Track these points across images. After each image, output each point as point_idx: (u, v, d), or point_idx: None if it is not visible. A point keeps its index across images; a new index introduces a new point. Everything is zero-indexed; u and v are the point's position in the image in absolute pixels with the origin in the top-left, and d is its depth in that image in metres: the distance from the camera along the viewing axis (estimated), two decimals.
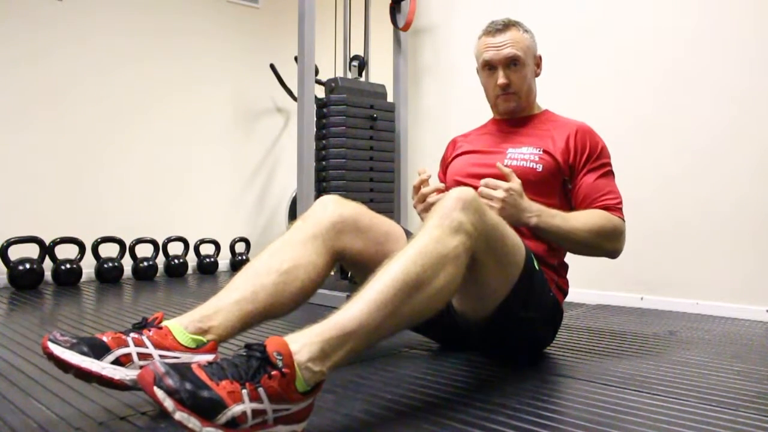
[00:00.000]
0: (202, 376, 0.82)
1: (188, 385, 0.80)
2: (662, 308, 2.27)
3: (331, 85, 2.73)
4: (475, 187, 1.39)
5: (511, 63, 1.55)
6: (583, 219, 1.42)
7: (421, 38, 3.18)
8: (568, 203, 1.52)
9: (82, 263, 2.77)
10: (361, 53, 2.93)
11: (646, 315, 2.14)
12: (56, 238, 2.72)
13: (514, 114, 1.62)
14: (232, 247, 3.37)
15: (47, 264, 2.69)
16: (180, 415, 0.79)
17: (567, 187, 1.53)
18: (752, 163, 2.11)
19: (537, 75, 1.64)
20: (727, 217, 2.16)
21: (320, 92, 2.72)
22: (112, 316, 1.97)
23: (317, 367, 0.89)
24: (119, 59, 3.03)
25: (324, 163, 2.65)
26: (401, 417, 1.01)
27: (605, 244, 1.43)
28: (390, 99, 2.92)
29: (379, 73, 3.02)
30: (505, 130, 1.63)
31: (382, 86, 2.88)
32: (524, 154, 1.52)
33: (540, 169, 1.48)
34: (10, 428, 0.96)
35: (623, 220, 1.47)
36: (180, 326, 1.07)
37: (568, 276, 1.55)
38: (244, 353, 0.87)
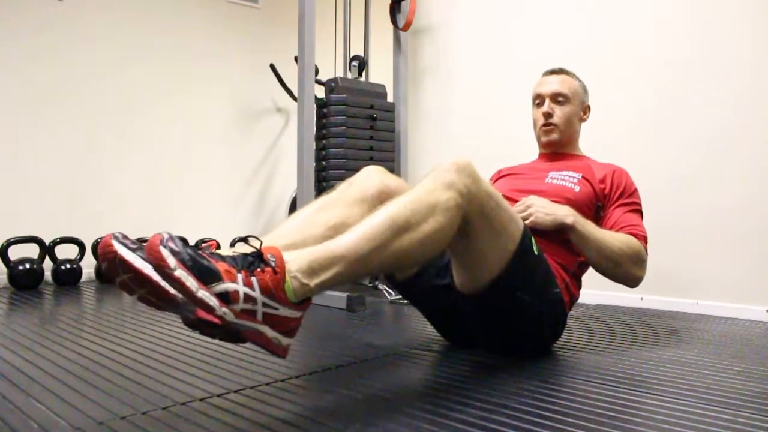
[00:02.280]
0: (203, 253, 0.89)
1: (190, 251, 0.87)
2: (662, 308, 2.27)
3: (331, 85, 2.73)
4: (515, 201, 1.54)
5: (558, 97, 1.73)
6: (614, 235, 1.54)
7: (421, 38, 3.18)
8: None
9: (82, 263, 2.77)
10: (361, 53, 2.93)
11: (646, 315, 2.14)
12: (56, 238, 2.71)
13: (555, 148, 1.77)
14: (232, 246, 3.37)
15: (47, 264, 2.68)
16: (180, 273, 0.84)
17: (599, 215, 1.64)
18: (753, 164, 2.11)
19: (582, 121, 1.81)
20: (728, 218, 2.16)
21: (320, 92, 2.72)
22: (112, 316, 1.97)
23: (305, 280, 0.94)
24: (119, 59, 3.03)
25: (324, 163, 2.65)
26: (401, 417, 1.01)
27: (629, 264, 1.52)
28: (390, 99, 2.92)
29: (379, 73, 3.02)
30: (549, 161, 1.78)
31: (382, 86, 2.88)
32: (564, 175, 1.66)
33: (577, 191, 1.61)
34: (10, 428, 0.96)
35: (646, 253, 1.56)
36: None
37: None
38: (239, 253, 0.93)
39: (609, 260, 1.50)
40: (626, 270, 1.53)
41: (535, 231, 1.46)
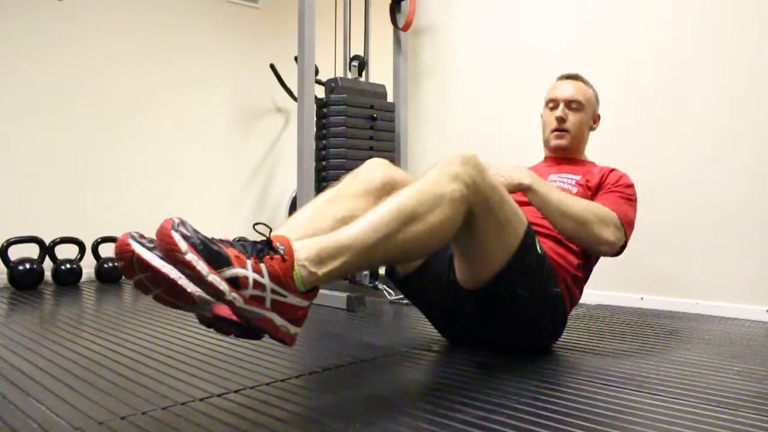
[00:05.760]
0: (213, 239, 0.91)
1: (201, 236, 0.88)
2: (662, 308, 2.27)
3: (331, 85, 2.73)
4: (520, 202, 1.50)
5: (572, 104, 1.73)
6: (580, 200, 1.51)
7: (421, 38, 3.18)
8: None
9: (82, 263, 2.77)
10: (361, 53, 2.93)
11: (646, 315, 2.14)
12: (56, 238, 2.71)
13: (563, 153, 1.77)
14: None
15: (47, 264, 2.68)
16: (191, 256, 0.85)
17: None
18: (753, 164, 2.11)
19: (592, 129, 1.82)
20: (728, 218, 2.15)
21: (320, 92, 2.72)
22: (112, 316, 1.97)
23: (312, 268, 0.96)
24: (119, 59, 3.03)
25: (324, 163, 2.65)
26: (401, 417, 1.01)
27: (598, 225, 1.45)
28: (390, 99, 2.92)
29: (379, 73, 3.02)
30: (552, 165, 1.78)
31: (382, 86, 2.88)
32: (563, 177, 1.67)
33: (575, 192, 1.62)
34: (10, 428, 0.96)
35: (622, 226, 1.50)
36: None
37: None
38: (250, 242, 0.95)
39: (573, 221, 1.44)
40: (595, 231, 1.45)
41: (536, 232, 1.46)
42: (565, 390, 1.19)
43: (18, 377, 1.24)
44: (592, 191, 1.64)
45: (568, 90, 1.74)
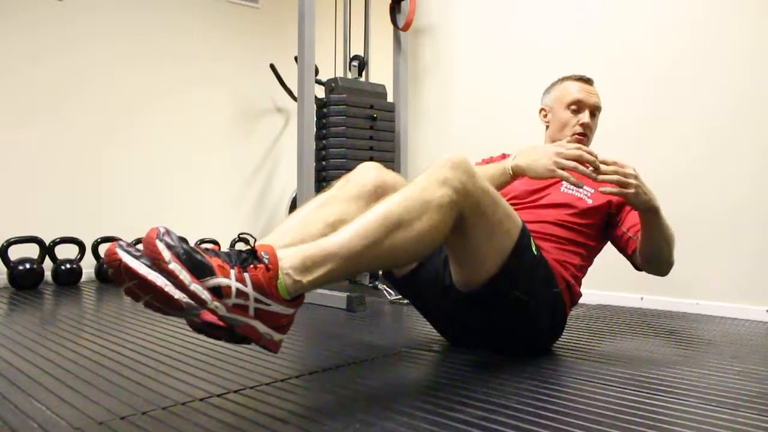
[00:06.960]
0: (198, 248, 0.92)
1: (185, 246, 0.89)
2: (662, 308, 2.27)
3: (331, 85, 2.73)
4: (528, 204, 1.55)
5: (595, 110, 1.71)
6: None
7: (421, 38, 3.18)
8: (602, 239, 1.63)
9: (82, 263, 2.77)
10: (361, 53, 2.94)
11: (646, 315, 2.14)
12: (56, 238, 2.71)
13: None
14: (232, 247, 3.37)
15: (47, 264, 2.68)
16: (174, 266, 0.86)
17: (611, 222, 1.62)
18: (752, 164, 2.11)
19: None
20: (728, 217, 2.16)
21: (320, 92, 2.72)
22: (112, 316, 1.97)
23: (297, 277, 0.96)
24: (119, 59, 3.03)
25: (324, 163, 2.65)
26: (401, 417, 1.01)
27: (672, 247, 1.53)
28: (390, 99, 2.92)
29: (379, 73, 3.02)
30: None
31: (382, 86, 2.88)
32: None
33: (590, 203, 1.60)
34: (10, 428, 0.96)
35: None
36: None
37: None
38: (235, 251, 0.96)
39: (668, 245, 1.50)
40: (671, 254, 1.53)
41: (538, 231, 1.46)
42: (565, 390, 1.19)
43: (18, 377, 1.24)
44: (610, 199, 1.61)
45: (594, 96, 1.71)
